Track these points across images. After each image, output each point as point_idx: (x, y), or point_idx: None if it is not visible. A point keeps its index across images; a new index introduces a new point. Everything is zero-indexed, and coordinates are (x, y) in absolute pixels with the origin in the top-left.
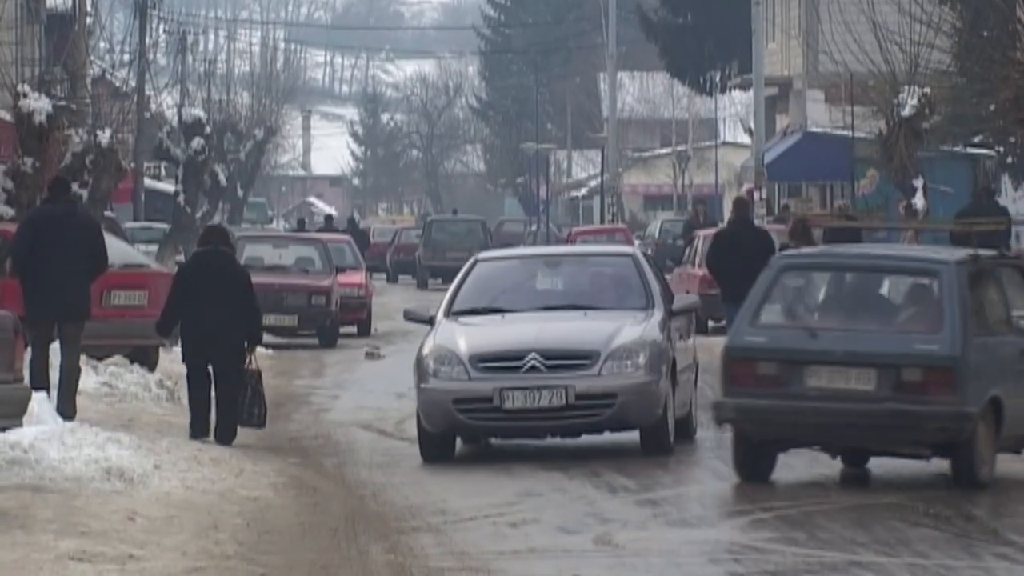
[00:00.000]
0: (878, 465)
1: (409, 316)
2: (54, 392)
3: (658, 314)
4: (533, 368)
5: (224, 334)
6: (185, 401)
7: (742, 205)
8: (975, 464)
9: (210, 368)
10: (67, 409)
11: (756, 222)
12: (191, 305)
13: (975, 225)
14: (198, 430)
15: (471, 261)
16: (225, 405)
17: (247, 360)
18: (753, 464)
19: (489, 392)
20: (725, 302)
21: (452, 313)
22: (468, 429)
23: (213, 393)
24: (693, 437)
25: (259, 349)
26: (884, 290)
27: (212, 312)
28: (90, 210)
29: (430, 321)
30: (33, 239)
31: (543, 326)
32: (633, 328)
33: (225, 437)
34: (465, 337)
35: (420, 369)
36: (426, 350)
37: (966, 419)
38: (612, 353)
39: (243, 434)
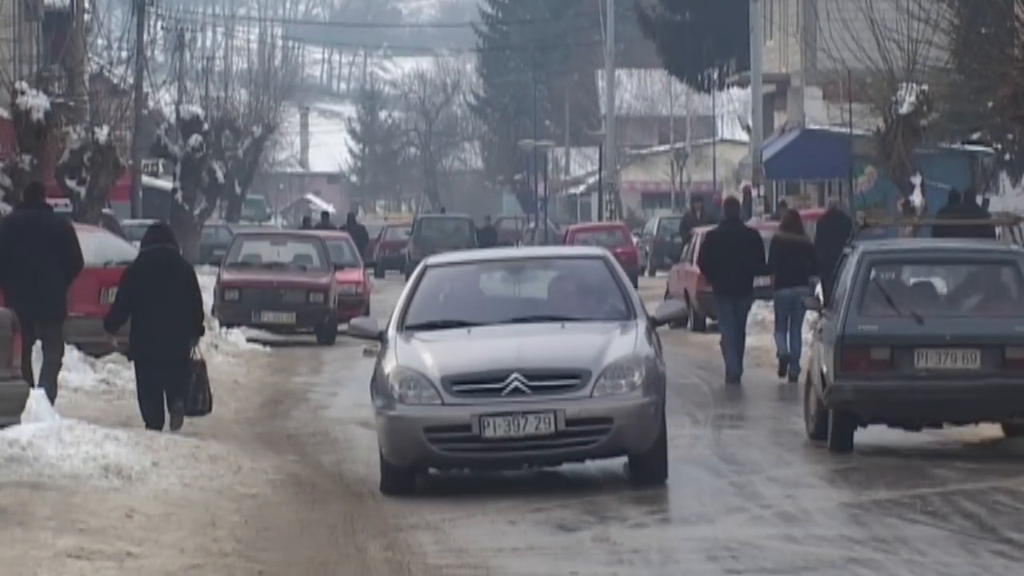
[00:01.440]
0: (874, 464)
1: (355, 331)
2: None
3: (642, 324)
4: (516, 390)
5: (170, 328)
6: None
7: (733, 205)
8: None
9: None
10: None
11: (754, 220)
12: (138, 303)
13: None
14: (151, 421)
15: (420, 267)
16: (172, 394)
17: (191, 351)
18: (846, 438)
19: (467, 419)
20: (716, 298)
21: (407, 327)
22: (441, 461)
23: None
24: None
25: (256, 347)
26: (968, 279)
27: (158, 308)
28: (87, 208)
29: (380, 337)
30: (8, 244)
31: (522, 341)
32: (623, 342)
33: (175, 423)
34: (433, 356)
35: (382, 393)
36: (388, 370)
37: None
38: (605, 371)
39: (241, 432)
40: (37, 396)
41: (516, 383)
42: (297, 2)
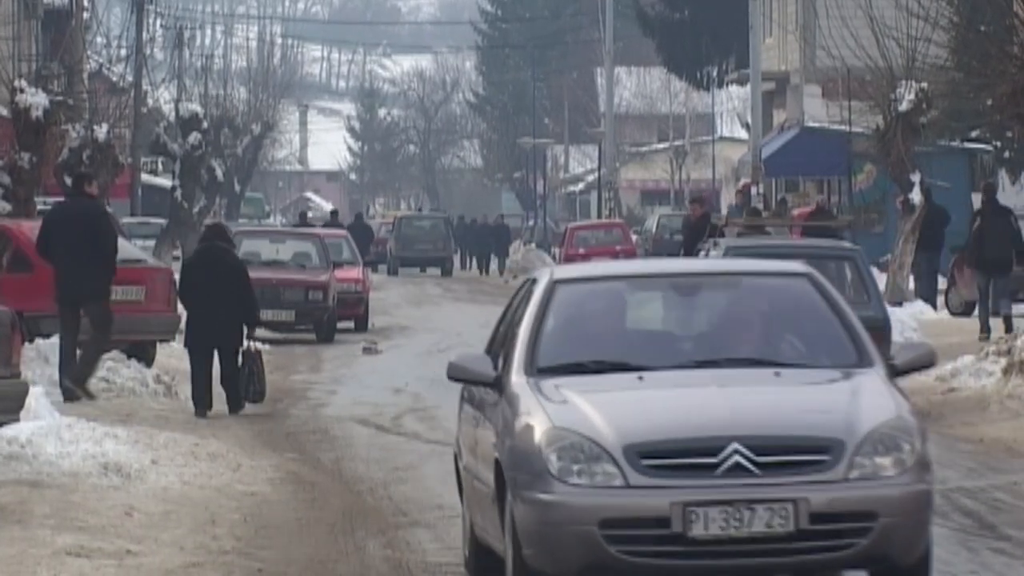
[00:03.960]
0: None
1: (458, 373)
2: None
3: (880, 372)
4: (737, 468)
5: (220, 320)
6: (183, 396)
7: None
8: None
9: (215, 352)
10: (81, 377)
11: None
12: (194, 296)
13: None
14: (200, 407)
15: (545, 282)
16: (229, 382)
17: (246, 343)
18: None
19: (664, 509)
20: None
21: (541, 370)
22: (624, 568)
23: (218, 374)
24: None
25: (257, 344)
26: (816, 270)
27: (212, 302)
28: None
29: (495, 383)
30: (52, 230)
31: (730, 395)
32: (877, 399)
33: (235, 407)
34: (604, 413)
35: (523, 466)
36: (536, 434)
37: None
38: (863, 443)
39: (241, 430)
40: (36, 394)
41: (737, 457)
42: (296, 0)
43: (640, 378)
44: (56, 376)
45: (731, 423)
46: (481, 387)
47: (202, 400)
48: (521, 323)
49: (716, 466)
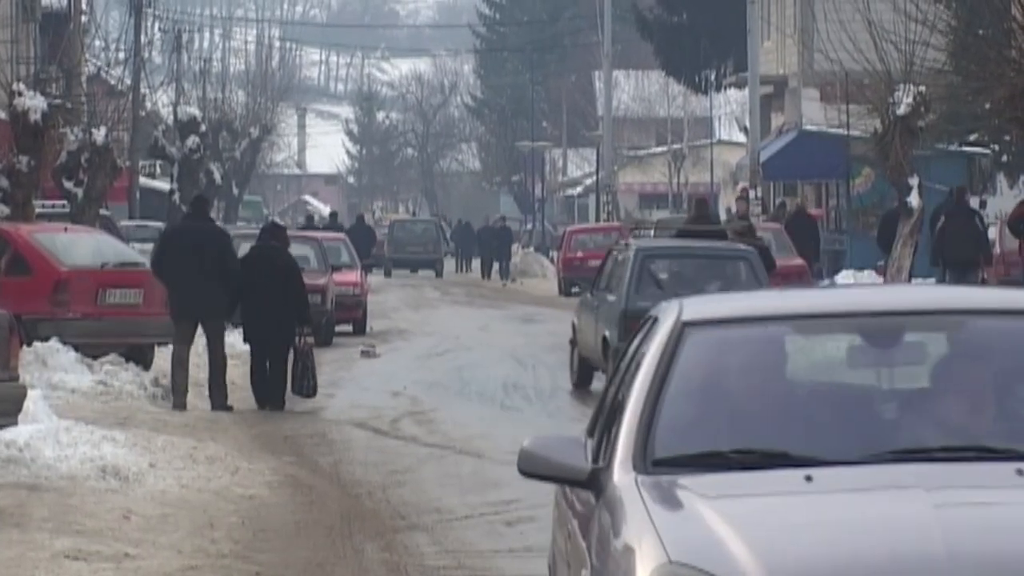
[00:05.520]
0: None
1: (533, 467)
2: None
3: None
4: None
5: (273, 318)
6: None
7: (703, 204)
8: None
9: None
10: (217, 399)
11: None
12: (249, 293)
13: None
14: (260, 401)
15: (669, 325)
16: (276, 379)
17: (300, 339)
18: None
19: None
20: None
21: (658, 463)
22: None
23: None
24: None
25: (309, 340)
26: (715, 269)
27: (262, 298)
28: (85, 209)
29: (589, 482)
30: (171, 251)
31: (947, 516)
32: None
33: (276, 404)
34: (752, 541)
35: None
36: (643, 573)
37: None
38: None
39: (239, 433)
40: (34, 397)
41: None
42: (294, 3)
43: (808, 478)
44: (54, 380)
45: (946, 556)
46: (570, 486)
47: (263, 394)
48: (632, 389)
49: None
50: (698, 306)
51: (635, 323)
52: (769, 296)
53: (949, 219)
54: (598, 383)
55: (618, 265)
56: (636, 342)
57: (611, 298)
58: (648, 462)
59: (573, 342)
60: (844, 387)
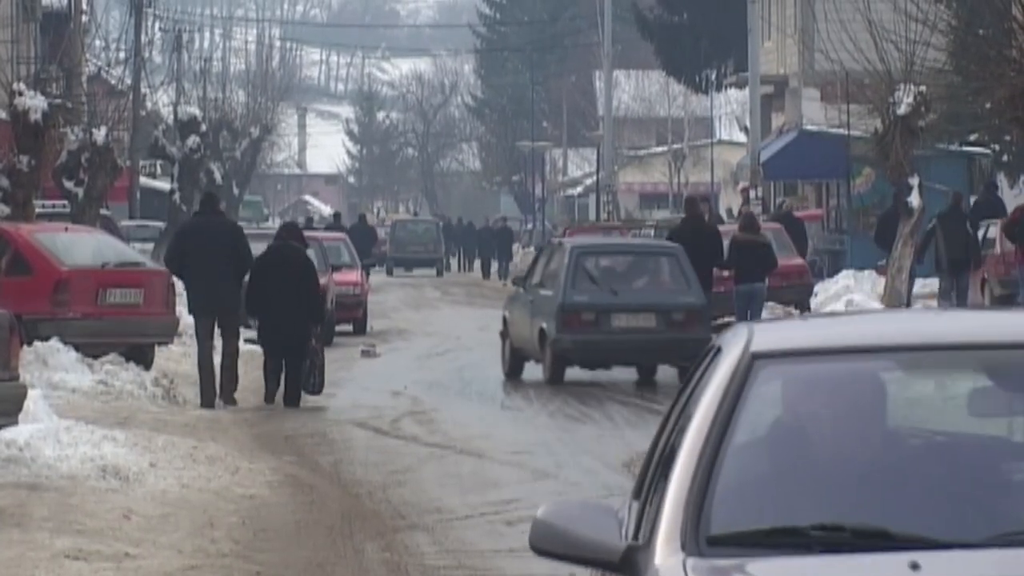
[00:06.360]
0: None
1: (549, 544)
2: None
3: None
4: None
5: (289, 317)
6: (181, 398)
7: (693, 204)
8: None
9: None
10: (226, 395)
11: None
12: (266, 291)
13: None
14: (272, 398)
15: (734, 359)
16: (292, 377)
17: (312, 338)
18: (560, 375)
19: None
20: None
21: (714, 542)
22: None
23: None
24: None
25: (253, 347)
26: (644, 265)
27: (279, 297)
28: (85, 209)
29: (623, 566)
30: (186, 246)
31: None
32: None
33: (292, 402)
34: None
35: None
36: None
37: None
38: None
39: (239, 433)
40: (34, 396)
41: None
42: (295, 3)
43: (915, 566)
44: (54, 379)
45: None
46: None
47: (270, 391)
48: (683, 441)
49: None
50: (772, 332)
51: (572, 316)
52: (863, 321)
53: (941, 221)
54: (529, 373)
55: (553, 262)
56: (693, 379)
57: (547, 293)
58: (702, 540)
59: (504, 334)
60: (964, 442)
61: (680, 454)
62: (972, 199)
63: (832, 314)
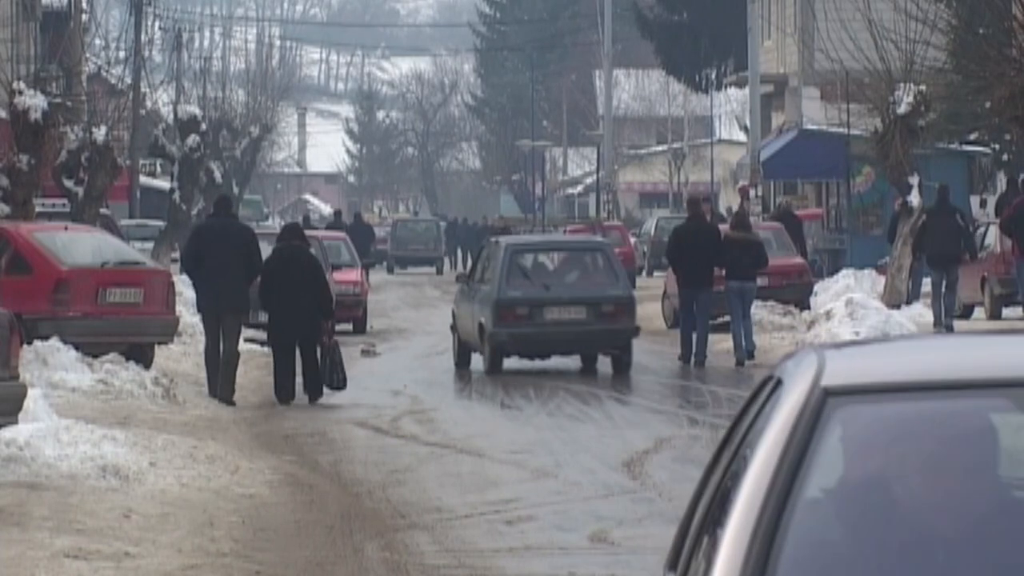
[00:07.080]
0: None
1: None
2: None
3: None
4: None
5: (298, 315)
6: (181, 398)
7: (695, 204)
8: (631, 357)
9: (296, 343)
10: (225, 393)
11: (752, 219)
12: (275, 291)
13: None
14: (284, 396)
15: (800, 396)
16: (310, 371)
17: (325, 335)
18: (498, 366)
19: None
20: (681, 288)
21: None
22: None
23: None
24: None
25: (253, 347)
26: (574, 260)
27: (287, 297)
28: (85, 208)
29: None
30: (199, 248)
31: None
32: None
33: (315, 396)
34: None
35: None
36: None
37: (635, 331)
38: None
39: (239, 432)
40: (34, 396)
41: None
42: (295, 2)
43: None
44: (54, 379)
45: None
46: None
47: (285, 390)
48: (736, 497)
49: None
50: (847, 361)
51: (507, 310)
52: (963, 346)
53: (931, 217)
54: (476, 363)
55: (491, 259)
56: (745, 420)
57: (486, 288)
58: None
59: (454, 328)
60: None
61: (731, 517)
62: (974, 199)
63: (917, 336)
